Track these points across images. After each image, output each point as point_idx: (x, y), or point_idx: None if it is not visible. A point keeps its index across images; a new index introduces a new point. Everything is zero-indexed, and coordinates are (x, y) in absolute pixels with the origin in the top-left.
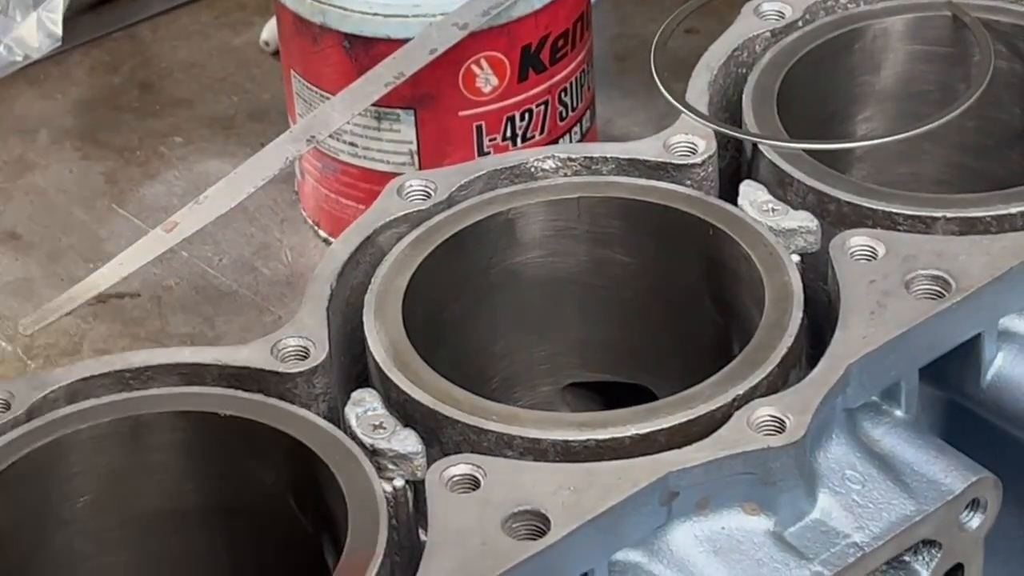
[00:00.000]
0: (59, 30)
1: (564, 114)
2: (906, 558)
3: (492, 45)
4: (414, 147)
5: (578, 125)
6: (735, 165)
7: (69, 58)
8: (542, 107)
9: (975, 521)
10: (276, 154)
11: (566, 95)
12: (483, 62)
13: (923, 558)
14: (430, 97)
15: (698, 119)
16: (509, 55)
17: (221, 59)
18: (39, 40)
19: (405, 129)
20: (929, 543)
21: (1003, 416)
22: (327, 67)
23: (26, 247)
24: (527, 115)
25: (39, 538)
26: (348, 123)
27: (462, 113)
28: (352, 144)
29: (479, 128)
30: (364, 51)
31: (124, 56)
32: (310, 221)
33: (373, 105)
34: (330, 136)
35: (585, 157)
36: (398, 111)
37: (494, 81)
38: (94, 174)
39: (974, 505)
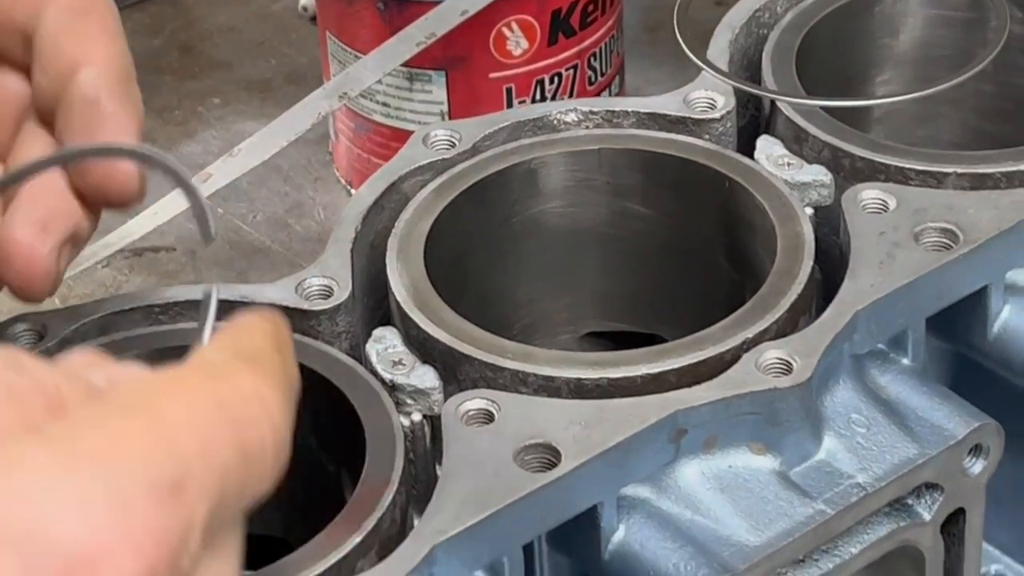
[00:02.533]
0: None
1: (593, 79)
2: (909, 501)
3: (523, 9)
4: (445, 108)
5: (607, 90)
6: (755, 124)
7: None
8: (571, 71)
9: (977, 467)
10: (309, 110)
11: (595, 60)
12: (514, 25)
13: (926, 501)
14: (461, 59)
15: (718, 76)
16: (539, 19)
17: (260, 24)
18: None
19: (436, 90)
20: (932, 487)
21: (1009, 368)
22: (362, 28)
23: None
24: (556, 79)
25: None
26: (381, 83)
27: (492, 75)
28: (384, 104)
29: (509, 90)
30: (398, 12)
31: (165, 20)
32: (343, 181)
33: (405, 66)
34: (363, 96)
35: (607, 111)
36: (430, 72)
37: (524, 44)
38: None
39: (976, 451)
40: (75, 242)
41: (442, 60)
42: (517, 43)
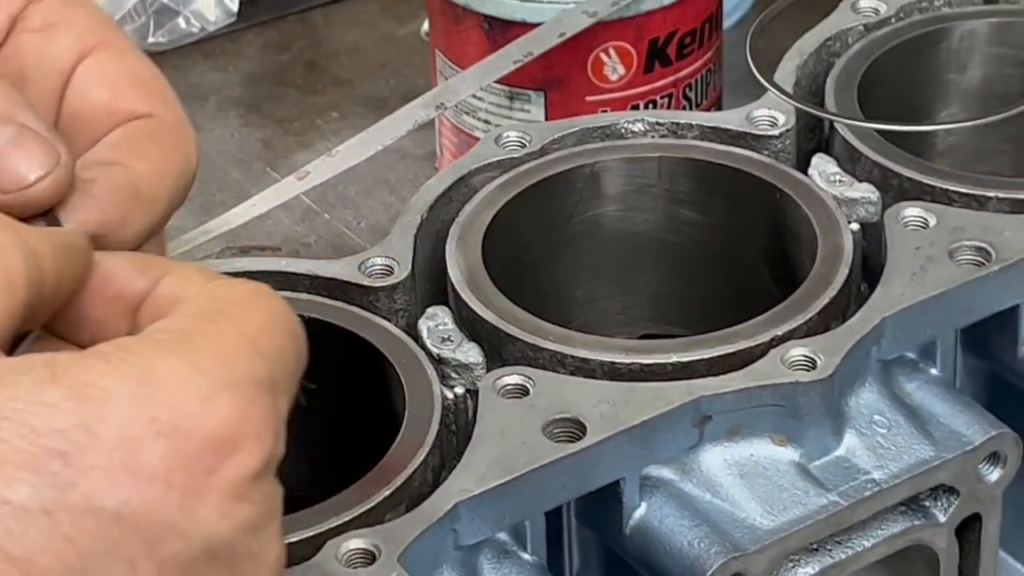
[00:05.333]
0: (235, 7)
1: (688, 108)
2: (925, 502)
3: (621, 35)
4: None
5: None
6: (819, 147)
7: (244, 36)
8: (666, 99)
9: (994, 474)
10: (406, 117)
11: (691, 91)
12: (611, 51)
13: (942, 504)
14: (559, 81)
15: (780, 95)
16: (636, 46)
17: (384, 46)
18: (216, 15)
19: (535, 110)
20: (949, 490)
21: None
22: (467, 47)
23: None
24: (651, 105)
25: None
26: (483, 101)
27: (589, 98)
28: (486, 122)
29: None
30: (501, 33)
31: (295, 37)
32: None
33: (506, 85)
34: (465, 113)
35: (672, 122)
36: (529, 92)
37: (621, 70)
38: (253, 140)
39: (994, 459)
40: None
41: (541, 81)
42: (614, 68)
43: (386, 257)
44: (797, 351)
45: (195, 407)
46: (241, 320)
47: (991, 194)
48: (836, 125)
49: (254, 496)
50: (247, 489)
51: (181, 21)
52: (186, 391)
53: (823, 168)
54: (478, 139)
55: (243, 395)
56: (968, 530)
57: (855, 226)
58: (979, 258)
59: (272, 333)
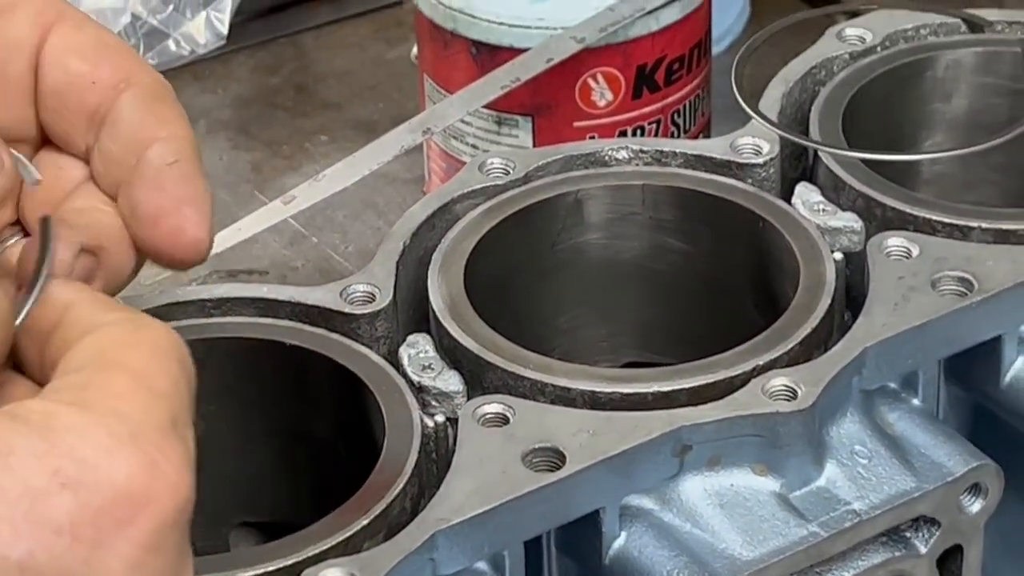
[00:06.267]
0: (225, 29)
1: (676, 134)
2: (907, 534)
3: (608, 61)
4: None
5: None
6: (805, 175)
7: (234, 58)
8: (654, 125)
9: (976, 506)
10: (392, 142)
11: (679, 116)
12: (599, 76)
13: (923, 535)
14: (547, 106)
15: (765, 124)
16: (624, 72)
17: (374, 69)
18: (206, 37)
19: (523, 135)
20: (929, 521)
21: (1020, 417)
22: (455, 71)
23: None
24: (639, 131)
25: None
26: (471, 126)
27: (577, 124)
28: (474, 147)
29: (592, 139)
30: (489, 57)
31: (285, 60)
32: None
33: (494, 110)
34: (453, 138)
35: (656, 150)
36: (517, 117)
37: (609, 96)
38: (242, 162)
39: (975, 490)
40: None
41: (529, 106)
42: (602, 94)
43: (368, 284)
44: (778, 381)
45: (100, 461)
46: (129, 364)
47: (974, 224)
48: (820, 154)
49: (167, 546)
50: (161, 539)
51: (171, 44)
52: (88, 445)
53: (807, 197)
54: (465, 164)
55: (149, 444)
56: (949, 561)
57: (838, 255)
58: (962, 288)
59: (162, 368)
